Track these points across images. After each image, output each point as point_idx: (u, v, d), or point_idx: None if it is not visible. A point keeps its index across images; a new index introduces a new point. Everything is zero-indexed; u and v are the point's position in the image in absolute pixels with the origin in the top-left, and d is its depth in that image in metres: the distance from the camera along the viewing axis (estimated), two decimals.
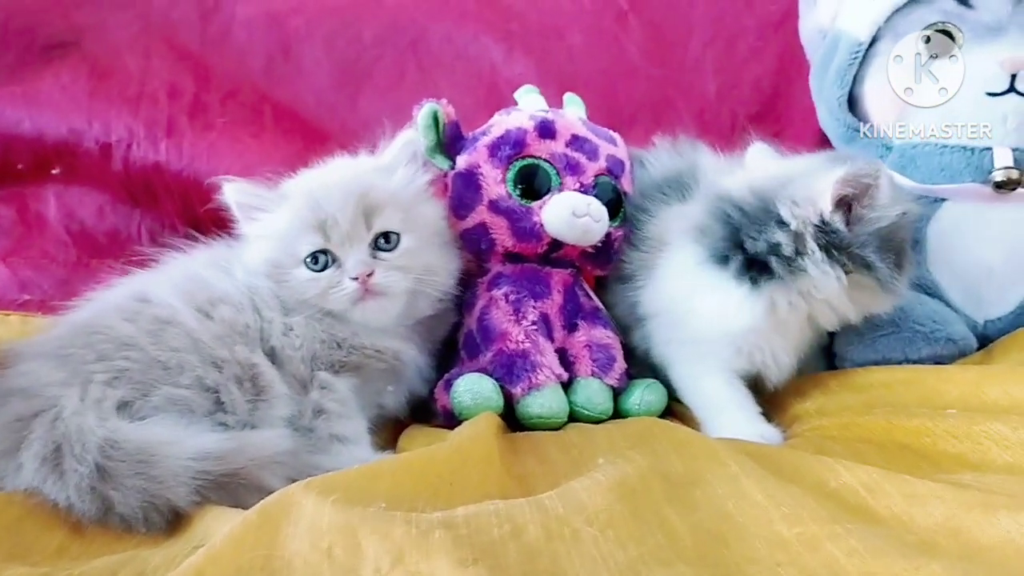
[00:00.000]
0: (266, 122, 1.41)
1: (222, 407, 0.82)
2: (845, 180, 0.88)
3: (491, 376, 0.97)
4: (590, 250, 1.05)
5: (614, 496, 0.64)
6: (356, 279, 0.89)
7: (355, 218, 0.90)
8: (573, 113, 1.11)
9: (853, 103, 1.19)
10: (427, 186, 1.00)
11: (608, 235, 1.04)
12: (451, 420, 0.95)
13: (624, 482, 0.66)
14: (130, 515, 0.70)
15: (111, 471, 0.71)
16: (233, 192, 0.96)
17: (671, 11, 1.52)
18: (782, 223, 0.91)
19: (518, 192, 1.02)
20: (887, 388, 0.95)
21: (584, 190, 1.02)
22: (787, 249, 0.90)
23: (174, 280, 0.91)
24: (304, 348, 0.90)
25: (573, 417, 1.00)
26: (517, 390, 0.96)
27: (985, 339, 1.07)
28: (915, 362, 1.01)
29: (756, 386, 1.00)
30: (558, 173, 1.03)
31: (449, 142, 1.05)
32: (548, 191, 1.02)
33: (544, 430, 0.95)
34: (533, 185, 1.03)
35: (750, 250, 0.92)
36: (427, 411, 1.02)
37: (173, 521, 0.71)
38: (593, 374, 1.02)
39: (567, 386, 1.01)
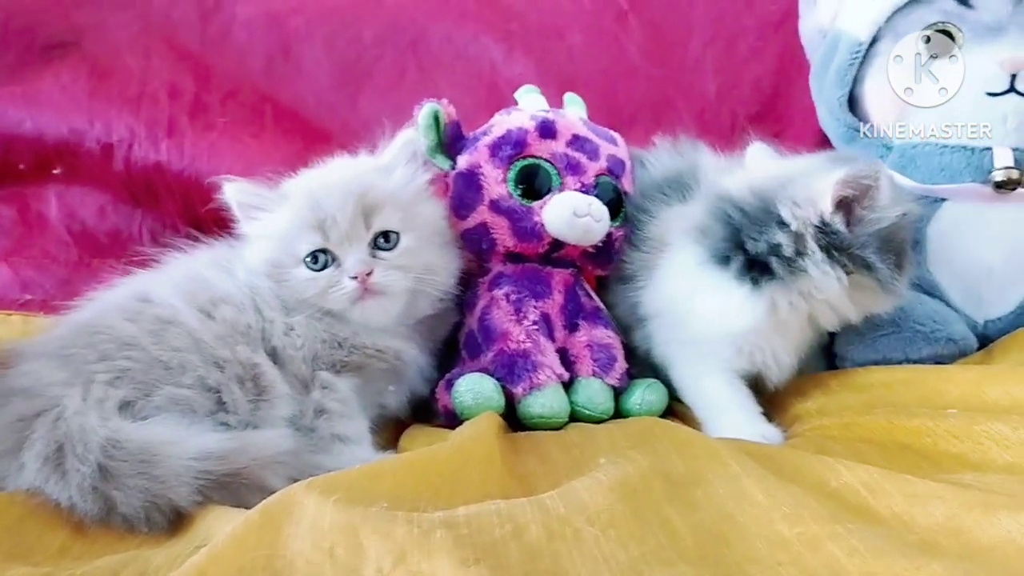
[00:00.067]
0: (266, 122, 1.41)
1: (224, 407, 0.82)
2: (845, 181, 0.88)
3: (492, 376, 0.98)
4: (591, 250, 1.05)
5: (615, 496, 0.64)
6: (355, 278, 0.90)
7: (354, 217, 0.90)
8: (574, 113, 1.11)
9: (853, 103, 1.19)
10: (427, 185, 1.00)
11: (609, 235, 1.04)
12: (452, 420, 0.95)
13: (625, 482, 0.67)
14: (132, 515, 0.70)
15: (113, 471, 0.71)
16: (233, 192, 0.96)
17: (671, 11, 1.52)
18: (783, 224, 0.91)
19: (519, 192, 1.02)
20: (888, 388, 0.95)
21: (585, 190, 1.03)
22: (788, 250, 0.90)
23: (176, 280, 0.91)
24: (305, 348, 0.90)
25: (574, 417, 1.00)
26: (518, 390, 0.96)
27: (985, 339, 1.08)
28: (915, 362, 1.01)
29: (757, 386, 1.00)
30: (559, 173, 1.03)
31: (450, 142, 1.05)
32: (549, 191, 1.03)
33: (545, 430, 0.95)
34: (534, 185, 1.03)
35: (751, 251, 0.92)
36: (428, 411, 1.02)
37: (175, 521, 0.71)
38: (594, 374, 1.02)
39: (568, 386, 1.01)
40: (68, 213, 1.38)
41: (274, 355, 0.89)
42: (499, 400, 0.96)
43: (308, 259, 0.91)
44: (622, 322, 1.09)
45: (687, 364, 1.02)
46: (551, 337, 1.02)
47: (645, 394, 1.03)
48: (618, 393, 1.04)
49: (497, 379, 0.97)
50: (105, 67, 1.38)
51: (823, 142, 1.25)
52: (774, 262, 0.91)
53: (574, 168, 1.03)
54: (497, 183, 1.02)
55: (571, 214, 1.00)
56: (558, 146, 1.04)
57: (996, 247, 1.06)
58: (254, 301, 0.91)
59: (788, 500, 0.63)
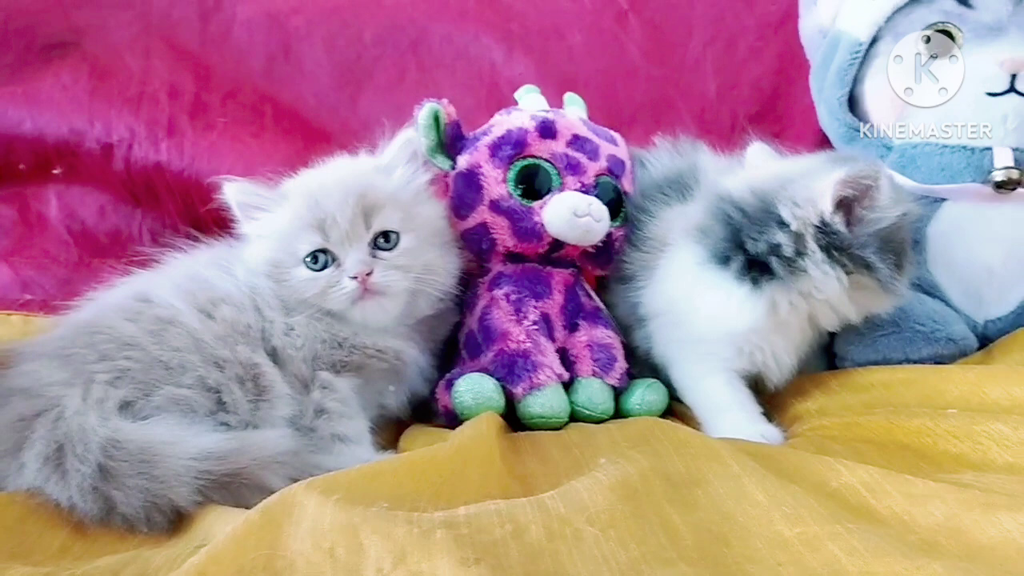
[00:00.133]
0: (267, 122, 1.41)
1: (224, 407, 0.82)
2: (845, 181, 0.88)
3: (492, 376, 0.98)
4: (591, 250, 1.05)
5: (616, 496, 0.64)
6: (355, 278, 0.90)
7: (354, 217, 0.90)
8: (574, 113, 1.11)
9: (853, 103, 1.18)
10: (426, 185, 1.00)
11: (609, 235, 1.04)
12: (452, 420, 0.96)
13: (625, 482, 0.67)
14: (132, 515, 0.70)
15: (113, 471, 0.71)
16: (233, 192, 0.96)
17: (671, 11, 1.52)
18: (783, 224, 0.91)
19: (519, 192, 1.02)
20: (888, 388, 0.95)
21: (585, 190, 1.03)
22: (788, 250, 0.91)
23: (176, 280, 0.91)
24: (305, 348, 0.90)
25: (574, 417, 1.00)
26: (518, 390, 0.97)
27: (985, 339, 1.08)
28: (916, 362, 1.01)
29: (757, 386, 1.01)
30: (559, 173, 1.03)
31: (450, 142, 1.05)
32: (549, 191, 1.03)
33: (545, 430, 0.95)
34: (534, 185, 1.03)
35: (751, 250, 0.92)
36: (428, 411, 1.02)
37: (175, 521, 0.71)
38: (594, 374, 1.02)
39: (568, 386, 1.01)
40: (68, 213, 1.38)
41: (274, 355, 0.89)
42: (499, 400, 0.96)
43: (308, 259, 0.91)
44: (622, 322, 1.09)
45: (687, 364, 1.02)
46: (551, 337, 1.02)
47: (645, 394, 1.03)
48: (618, 393, 1.04)
49: (497, 379, 0.97)
50: (105, 67, 1.38)
51: (823, 142, 1.25)
52: (774, 262, 0.91)
53: (574, 168, 1.03)
54: (497, 183, 1.02)
55: (571, 214, 1.00)
56: (558, 146, 1.04)
57: (996, 247, 1.06)
58: (254, 301, 0.91)
59: (788, 500, 0.63)
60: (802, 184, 0.91)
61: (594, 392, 1.01)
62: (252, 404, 0.84)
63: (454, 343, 1.06)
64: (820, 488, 0.68)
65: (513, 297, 1.02)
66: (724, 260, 0.93)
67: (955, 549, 0.58)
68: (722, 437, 0.87)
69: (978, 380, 0.89)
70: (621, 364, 1.04)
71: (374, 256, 0.91)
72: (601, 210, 1.02)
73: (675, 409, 1.05)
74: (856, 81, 1.17)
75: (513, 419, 0.98)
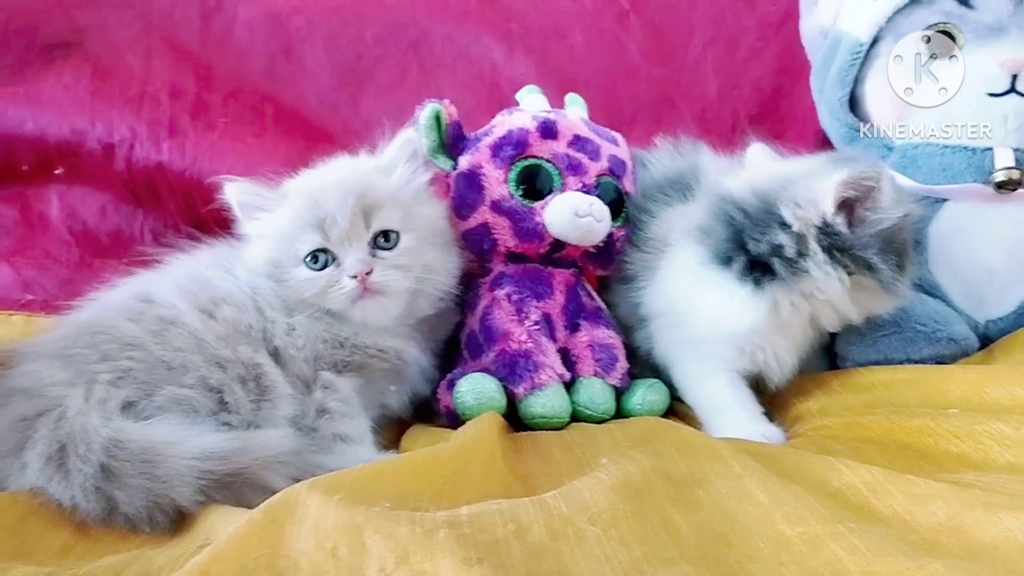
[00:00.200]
0: (268, 122, 1.41)
1: (226, 407, 0.82)
2: (847, 182, 0.88)
3: (494, 376, 0.98)
4: (592, 250, 1.05)
5: (617, 496, 0.64)
6: (355, 277, 0.90)
7: (354, 217, 0.91)
8: (575, 113, 1.11)
9: (854, 103, 1.18)
10: (426, 185, 1.00)
11: (610, 235, 1.05)
12: (454, 420, 0.96)
13: (627, 482, 0.67)
14: (135, 515, 0.70)
15: (116, 471, 0.71)
16: (234, 191, 0.96)
17: (672, 11, 1.52)
18: (784, 224, 0.91)
19: (520, 192, 1.03)
20: (889, 388, 0.95)
21: (586, 190, 1.03)
22: (789, 250, 0.91)
23: (177, 280, 0.91)
24: (307, 348, 0.90)
25: (575, 417, 1.00)
26: (520, 390, 0.97)
27: (986, 339, 1.08)
28: (917, 362, 1.01)
29: (758, 386, 1.01)
30: (560, 173, 1.03)
31: (451, 142, 1.05)
32: (550, 191, 1.03)
33: (547, 430, 0.95)
34: (535, 185, 1.03)
35: (753, 251, 0.92)
36: (430, 411, 1.02)
37: (177, 521, 0.71)
38: (595, 374, 1.02)
39: (569, 386, 1.01)
40: (70, 213, 1.38)
41: (276, 355, 0.89)
42: (501, 400, 0.96)
43: (308, 259, 0.91)
44: (623, 322, 1.09)
45: (688, 364, 1.02)
46: (552, 337, 1.03)
47: (646, 394, 1.03)
48: (619, 393, 1.04)
49: (499, 379, 0.97)
50: (107, 67, 1.38)
51: (824, 142, 1.25)
52: (776, 263, 0.91)
53: (575, 168, 1.03)
54: (498, 183, 1.03)
55: (572, 214, 1.00)
56: (559, 146, 1.04)
57: (997, 247, 1.06)
58: (255, 301, 0.91)
59: (790, 500, 0.63)
60: (804, 185, 0.92)
61: (595, 392, 1.01)
62: (254, 404, 0.84)
63: (455, 343, 1.07)
64: (822, 488, 0.68)
65: (515, 297, 1.02)
66: (726, 261, 0.93)
67: (957, 549, 0.58)
68: (723, 437, 0.87)
69: (979, 380, 0.89)
70: (622, 364, 1.04)
71: (374, 255, 0.91)
72: (602, 210, 1.02)
73: (676, 409, 1.05)
74: (857, 81, 1.17)
75: (515, 419, 0.98)
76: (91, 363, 0.80)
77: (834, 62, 1.18)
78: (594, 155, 1.05)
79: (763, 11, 1.50)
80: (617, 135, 1.12)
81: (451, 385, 0.98)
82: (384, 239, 0.93)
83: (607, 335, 1.05)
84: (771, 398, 1.02)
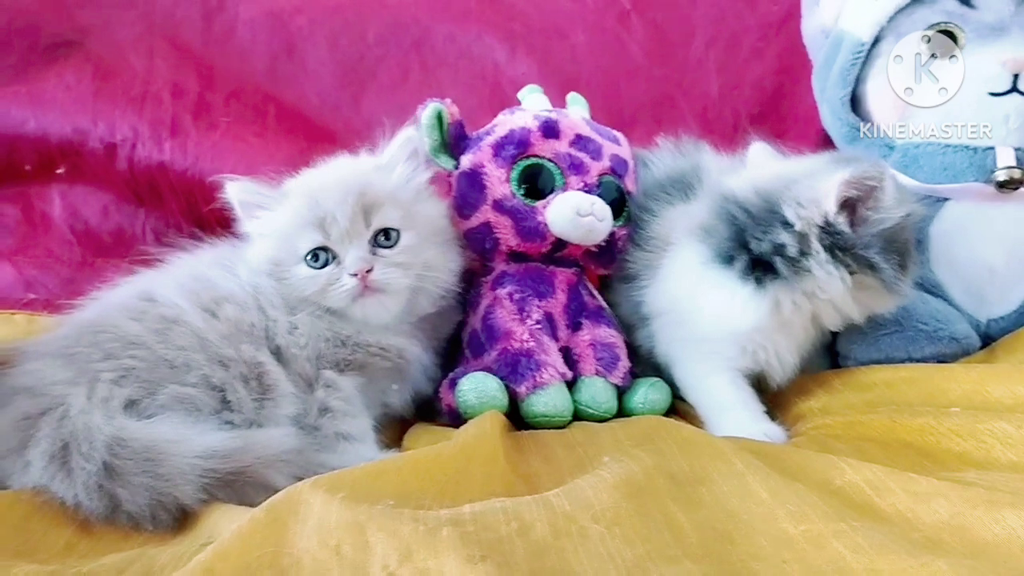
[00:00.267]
0: (270, 121, 1.41)
1: (228, 406, 0.83)
2: (850, 182, 0.88)
3: (496, 375, 0.98)
4: (594, 249, 1.05)
5: (620, 494, 0.64)
6: (355, 275, 0.90)
7: (354, 215, 0.91)
8: (577, 113, 1.11)
9: (856, 103, 1.18)
10: (427, 184, 1.00)
11: (612, 234, 1.05)
12: (456, 419, 0.96)
13: (630, 480, 0.67)
14: (137, 513, 0.71)
15: (118, 469, 0.71)
16: (236, 190, 0.96)
17: (673, 11, 1.52)
18: (787, 224, 0.91)
19: (522, 192, 1.03)
20: (891, 387, 0.95)
21: (588, 189, 1.03)
22: (792, 250, 0.91)
23: (179, 279, 0.92)
24: (309, 346, 0.90)
25: (578, 416, 1.00)
26: (521, 389, 0.97)
27: (988, 338, 1.08)
28: (918, 361, 1.01)
29: (760, 385, 1.01)
30: (562, 173, 1.03)
31: (453, 142, 1.06)
32: (552, 190, 1.03)
33: (549, 429, 0.95)
34: (537, 185, 1.03)
35: (755, 250, 0.92)
36: (432, 410, 1.02)
37: (180, 519, 0.72)
38: (597, 373, 1.02)
39: (571, 385, 1.01)
40: (72, 212, 1.38)
41: (278, 354, 0.89)
42: (503, 399, 0.96)
43: (308, 257, 0.92)
44: (625, 321, 1.09)
45: (690, 363, 1.02)
46: (554, 336, 1.03)
47: (648, 393, 1.03)
48: (621, 392, 1.04)
49: (501, 378, 0.98)
50: (109, 67, 1.38)
51: (825, 142, 1.25)
52: (778, 262, 0.91)
53: (577, 168, 1.03)
54: (500, 183, 1.03)
55: (574, 213, 1.00)
56: (561, 146, 1.04)
57: (998, 246, 1.06)
58: (257, 300, 0.92)
59: (792, 498, 0.63)
60: (806, 184, 0.91)
61: (597, 391, 1.01)
62: (256, 403, 0.84)
63: (457, 342, 1.07)
64: (824, 486, 0.68)
65: (516, 296, 1.02)
66: (728, 260, 0.93)
67: (959, 546, 0.58)
68: (725, 436, 0.87)
69: (981, 379, 0.90)
70: (624, 363, 1.05)
71: (374, 253, 0.92)
72: (604, 209, 1.02)
73: (678, 408, 1.05)
74: (858, 81, 1.17)
75: (516, 418, 0.98)
76: (94, 362, 0.80)
77: (836, 61, 1.18)
78: (596, 154, 1.05)
79: (764, 11, 1.51)
80: (619, 134, 1.12)
81: (453, 384, 0.98)
82: (384, 237, 0.93)
83: (609, 334, 1.05)
84: (773, 397, 1.02)
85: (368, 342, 0.93)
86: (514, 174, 1.03)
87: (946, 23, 1.09)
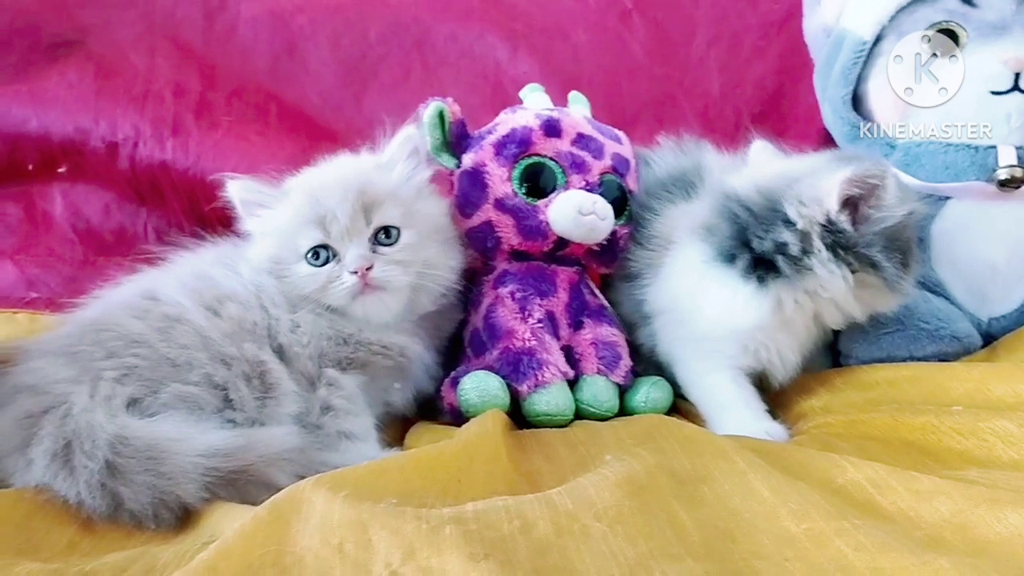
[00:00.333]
0: (271, 120, 1.42)
1: (231, 404, 0.83)
2: (852, 180, 0.88)
3: (497, 374, 0.98)
4: (596, 248, 1.05)
5: (622, 492, 0.64)
6: (355, 273, 0.90)
7: (354, 213, 0.91)
8: (578, 112, 1.11)
9: (857, 102, 1.18)
10: (427, 182, 1.00)
11: (613, 233, 1.05)
12: (458, 418, 0.96)
13: (632, 478, 0.67)
14: (140, 511, 0.71)
15: (121, 467, 0.71)
16: (237, 189, 0.96)
17: (675, 10, 1.52)
18: (789, 222, 0.91)
19: (524, 190, 1.03)
20: (892, 385, 0.95)
21: (590, 188, 1.03)
22: (794, 248, 0.91)
23: (182, 278, 0.92)
24: (311, 345, 0.91)
25: (579, 415, 1.00)
26: (523, 388, 0.97)
27: (989, 337, 1.08)
28: (920, 359, 1.01)
29: (761, 383, 1.01)
30: (564, 171, 1.03)
31: (455, 141, 1.06)
32: (554, 189, 1.03)
33: (550, 427, 0.95)
34: (539, 183, 1.03)
35: (757, 249, 0.92)
36: (434, 409, 1.02)
37: (183, 517, 0.72)
38: (599, 371, 1.02)
39: (573, 384, 1.01)
40: (73, 211, 1.38)
41: (280, 352, 0.89)
42: (504, 398, 0.96)
43: (309, 255, 0.92)
44: (627, 320, 1.09)
45: (692, 361, 1.02)
46: (556, 335, 1.03)
47: (650, 391, 1.03)
48: (623, 391, 1.04)
49: (502, 377, 0.98)
50: (110, 66, 1.38)
51: (827, 140, 1.25)
52: (780, 260, 0.91)
53: (579, 166, 1.03)
54: (502, 181, 1.03)
55: (576, 212, 1.00)
56: (563, 144, 1.04)
57: (1000, 245, 1.06)
58: (259, 298, 0.92)
59: (794, 496, 0.64)
60: (808, 183, 0.91)
61: (599, 390, 1.01)
62: (259, 401, 0.84)
63: (459, 341, 1.07)
64: (826, 484, 0.68)
65: (518, 295, 1.02)
66: (730, 258, 0.93)
67: (961, 545, 0.58)
68: (727, 434, 0.87)
69: (983, 377, 0.90)
70: (626, 362, 1.05)
71: (375, 251, 0.92)
72: (606, 208, 1.02)
73: (680, 406, 1.05)
74: (860, 80, 1.16)
75: (518, 417, 0.98)
76: (96, 360, 0.81)
77: (837, 60, 1.18)
78: (597, 153, 1.05)
79: (766, 10, 1.51)
80: (620, 133, 1.12)
81: (455, 383, 0.99)
82: (385, 235, 0.93)
83: (610, 333, 1.05)
84: (774, 395, 1.02)
85: (370, 340, 0.93)
86: (516, 173, 1.03)
87: (948, 22, 1.09)
